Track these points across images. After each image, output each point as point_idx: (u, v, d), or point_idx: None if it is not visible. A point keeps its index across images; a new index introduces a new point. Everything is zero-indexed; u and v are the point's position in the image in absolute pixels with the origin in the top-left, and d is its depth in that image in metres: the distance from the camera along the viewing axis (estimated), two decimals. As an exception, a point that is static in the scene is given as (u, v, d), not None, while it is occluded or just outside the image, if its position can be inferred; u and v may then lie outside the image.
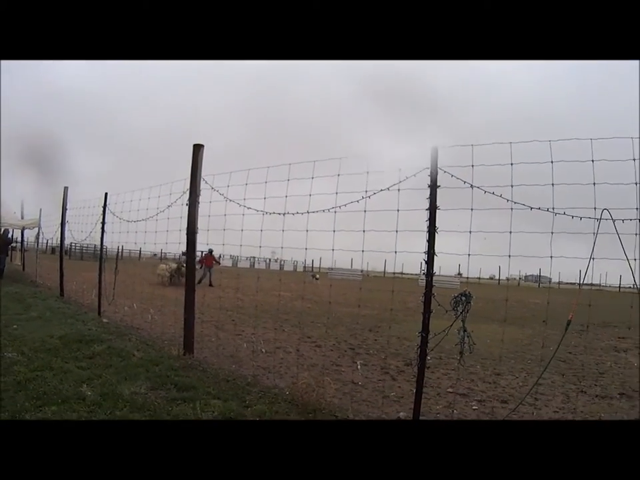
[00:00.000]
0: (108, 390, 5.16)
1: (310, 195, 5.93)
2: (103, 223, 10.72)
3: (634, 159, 4.36)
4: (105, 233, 10.76)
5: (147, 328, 9.46)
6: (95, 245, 31.31)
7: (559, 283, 50.17)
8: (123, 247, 11.42)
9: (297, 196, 6.14)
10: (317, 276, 37.52)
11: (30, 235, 23.82)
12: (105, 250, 11.15)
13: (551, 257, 4.61)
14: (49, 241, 18.88)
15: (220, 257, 27.06)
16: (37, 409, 4.49)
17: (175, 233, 7.85)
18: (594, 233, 4.53)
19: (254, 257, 63.73)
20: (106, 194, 10.78)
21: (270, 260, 66.27)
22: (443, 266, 5.60)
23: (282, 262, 65.91)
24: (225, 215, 7.01)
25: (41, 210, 18.07)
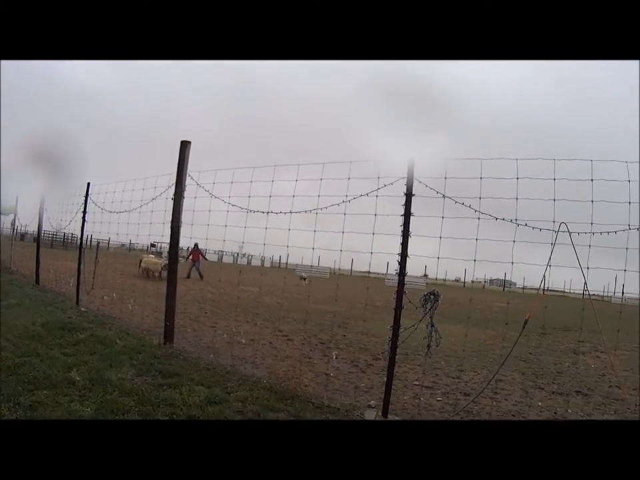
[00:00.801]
0: (96, 375, 5.44)
1: (293, 197, 6.33)
2: (84, 212, 10.84)
3: (591, 180, 4.91)
4: (85, 223, 10.88)
5: (124, 318, 9.68)
6: (65, 234, 31.21)
7: (524, 287, 51.51)
8: (91, 236, 11.50)
9: (280, 196, 6.54)
10: (305, 275, 33.06)
11: (5, 221, 23.65)
12: (77, 239, 11.31)
13: (512, 262, 5.14)
14: (18, 228, 18.74)
15: (205, 251, 27.71)
16: (29, 393, 4.72)
17: (158, 225, 8.15)
18: (552, 243, 5.13)
19: (237, 253, 64.34)
20: (88, 184, 10.91)
21: (251, 256, 66.58)
22: (410, 267, 6.00)
23: (263, 258, 66.07)
24: (210, 210, 7.35)
25: (17, 197, 17.97)
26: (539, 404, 6.91)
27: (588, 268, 5.09)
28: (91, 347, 6.81)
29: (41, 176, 9.08)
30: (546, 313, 5.84)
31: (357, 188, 5.91)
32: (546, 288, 5.97)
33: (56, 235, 38.34)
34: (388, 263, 6.66)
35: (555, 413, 6.49)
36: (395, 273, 5.70)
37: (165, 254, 24.09)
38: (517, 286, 56.06)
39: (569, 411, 6.66)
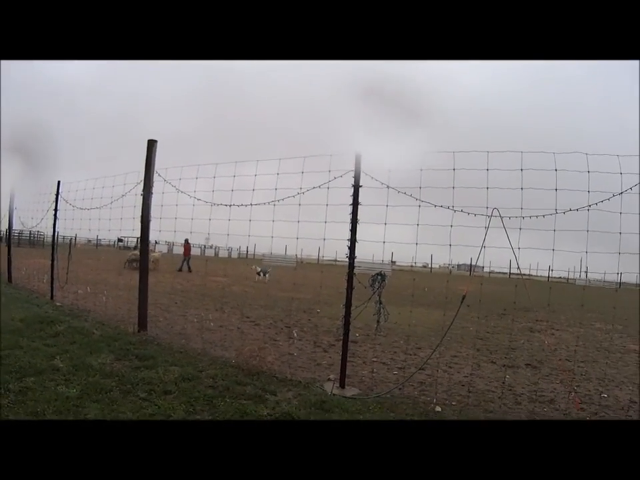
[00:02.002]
0: (78, 362, 5.95)
1: (253, 190, 6.96)
2: (56, 210, 11.18)
3: (521, 169, 5.48)
4: (57, 220, 11.23)
5: (98, 310, 10.14)
6: (31, 232, 31.27)
7: (490, 272, 52.66)
8: (58, 233, 11.84)
9: (242, 190, 7.13)
10: (259, 269, 25.60)
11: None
12: (44, 237, 11.63)
13: (450, 245, 5.67)
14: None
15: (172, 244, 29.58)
16: (17, 380, 5.12)
17: (129, 220, 8.68)
18: (485, 227, 5.64)
19: (204, 245, 64.68)
20: (59, 182, 11.24)
21: (218, 247, 66.91)
22: (378, 254, 6.55)
23: (230, 249, 66.53)
24: (177, 205, 7.94)
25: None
26: (489, 375, 7.54)
27: (519, 248, 5.59)
28: (70, 337, 7.28)
29: (10, 174, 9.34)
30: (509, 296, 6.45)
31: (323, 181, 6.45)
32: (512, 271, 6.56)
33: (21, 233, 37.99)
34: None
35: (503, 383, 6.99)
36: (363, 261, 6.30)
37: (157, 249, 26.02)
38: (484, 270, 57.50)
39: (516, 380, 7.30)
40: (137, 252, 25.84)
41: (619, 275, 5.46)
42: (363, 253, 6.29)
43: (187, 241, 28.22)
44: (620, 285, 33.82)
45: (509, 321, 14.11)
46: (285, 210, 6.74)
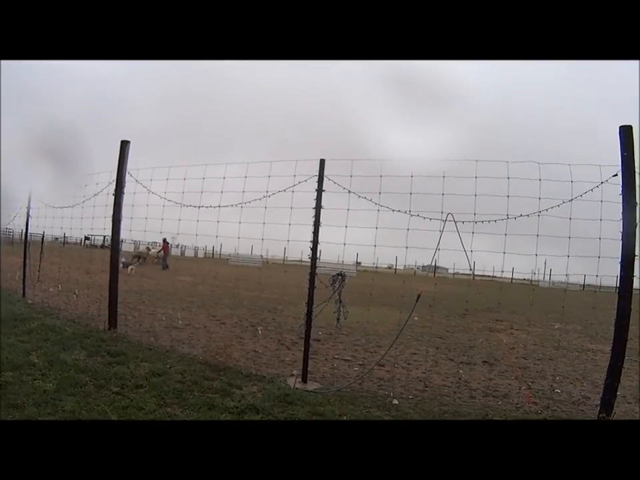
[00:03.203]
0: (53, 358, 6.22)
1: (221, 192, 7.32)
2: (29, 208, 11.29)
3: (475, 177, 5.85)
4: (30, 218, 11.37)
5: (69, 308, 10.34)
6: (-1, 230, 31.27)
7: (454, 273, 53.31)
8: (26, 230, 11.94)
9: (211, 192, 7.46)
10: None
11: None
12: (12, 234, 11.67)
13: (407, 247, 6.05)
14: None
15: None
16: None
17: (100, 219, 8.96)
18: (439, 231, 6.06)
19: (169, 244, 64.76)
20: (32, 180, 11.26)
21: (185, 247, 66.83)
22: (343, 255, 6.94)
23: (196, 248, 66.56)
24: (148, 205, 8.22)
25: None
26: (446, 372, 8.00)
27: (472, 251, 5.96)
28: (43, 334, 7.52)
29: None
30: (473, 297, 6.84)
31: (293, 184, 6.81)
32: (476, 273, 6.87)
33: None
34: (320, 251, 7.67)
35: (459, 379, 7.52)
36: (326, 261, 6.68)
37: (155, 249, 32.74)
38: (449, 272, 58.21)
39: (472, 376, 7.77)
40: (140, 249, 29.31)
41: (602, 277, 5.79)
42: (329, 254, 6.68)
43: (165, 240, 30.75)
44: (584, 287, 34.80)
45: (470, 320, 14.65)
46: (252, 212, 7.06)
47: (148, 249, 34.18)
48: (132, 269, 24.01)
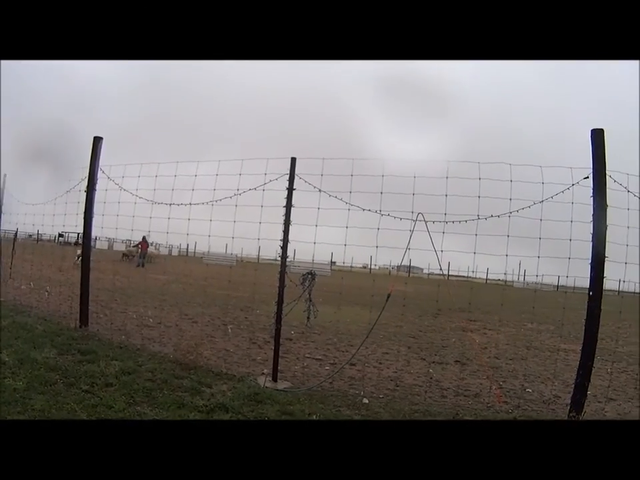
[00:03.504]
0: (23, 356, 6.18)
1: (192, 190, 7.39)
2: (0, 205, 11.23)
3: (446, 177, 5.99)
4: (2, 215, 11.26)
5: (40, 306, 10.30)
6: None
7: (429, 273, 53.87)
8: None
9: (183, 190, 7.53)
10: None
11: None
12: None
13: (377, 246, 6.11)
14: None
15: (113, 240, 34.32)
16: None
17: (72, 216, 8.87)
18: (410, 230, 6.16)
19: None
20: (5, 175, 11.39)
21: (158, 244, 66.93)
22: (318, 254, 6.99)
23: (170, 246, 66.41)
24: (119, 202, 8.22)
25: None
26: (418, 371, 8.08)
27: (442, 251, 6.06)
28: (14, 332, 7.47)
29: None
30: (444, 296, 6.91)
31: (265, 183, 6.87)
32: (451, 273, 6.93)
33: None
34: (295, 250, 7.74)
35: (431, 378, 7.61)
36: (301, 260, 6.75)
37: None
38: (424, 272, 58.98)
39: (444, 376, 7.87)
40: (131, 247, 31.34)
41: (575, 278, 5.89)
42: (304, 254, 6.72)
43: (144, 238, 31.11)
44: (557, 288, 35.34)
45: (443, 320, 14.79)
46: (224, 210, 7.10)
47: (136, 247, 36.14)
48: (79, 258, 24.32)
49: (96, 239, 20.55)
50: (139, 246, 34.49)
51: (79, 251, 25.70)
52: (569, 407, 5.71)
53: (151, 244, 41.10)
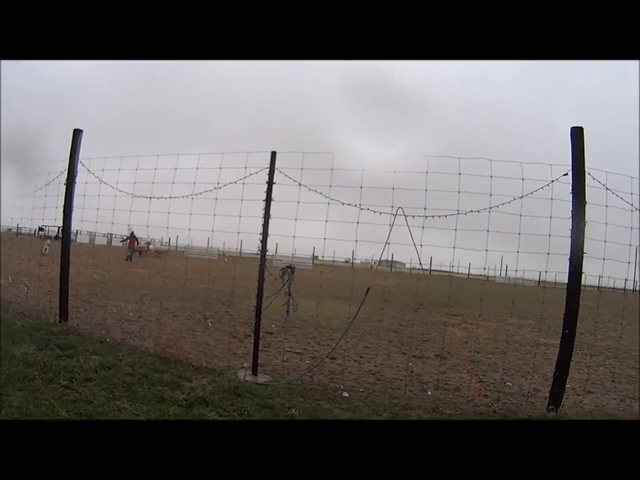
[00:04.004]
0: (1, 352, 6.10)
1: (173, 183, 7.36)
2: None
3: (427, 172, 5.98)
4: None
5: (19, 301, 10.22)
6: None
7: (411, 268, 54.16)
8: None
9: (163, 183, 7.50)
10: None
11: None
12: None
13: (356, 240, 6.24)
14: None
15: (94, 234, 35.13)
16: None
17: (51, 209, 8.79)
18: (390, 225, 6.22)
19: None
20: None
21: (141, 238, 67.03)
22: (299, 248, 7.07)
23: (152, 240, 66.34)
24: (99, 195, 8.17)
25: None
26: (398, 365, 8.19)
27: (421, 245, 6.09)
28: None
29: None
30: (429, 292, 6.96)
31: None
32: (433, 268, 6.92)
33: None
34: (277, 245, 7.76)
35: (411, 372, 7.72)
36: (283, 254, 6.76)
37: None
38: (406, 266, 59.42)
39: (424, 370, 7.97)
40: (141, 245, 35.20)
41: (556, 273, 5.97)
42: (286, 248, 6.75)
43: (132, 233, 33.28)
44: (539, 283, 35.68)
45: (424, 315, 14.90)
46: (205, 204, 7.12)
47: (148, 243, 39.97)
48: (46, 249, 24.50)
49: (77, 232, 20.44)
50: (128, 241, 35.80)
51: (49, 241, 26.44)
52: (547, 400, 5.79)
53: (147, 239, 42.58)
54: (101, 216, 8.18)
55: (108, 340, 7.65)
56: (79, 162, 8.62)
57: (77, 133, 8.63)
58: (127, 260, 31.50)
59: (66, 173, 8.58)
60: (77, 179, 8.60)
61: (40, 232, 41.14)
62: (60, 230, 9.14)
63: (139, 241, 38.70)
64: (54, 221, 9.10)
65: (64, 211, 8.52)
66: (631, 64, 4.45)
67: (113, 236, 56.05)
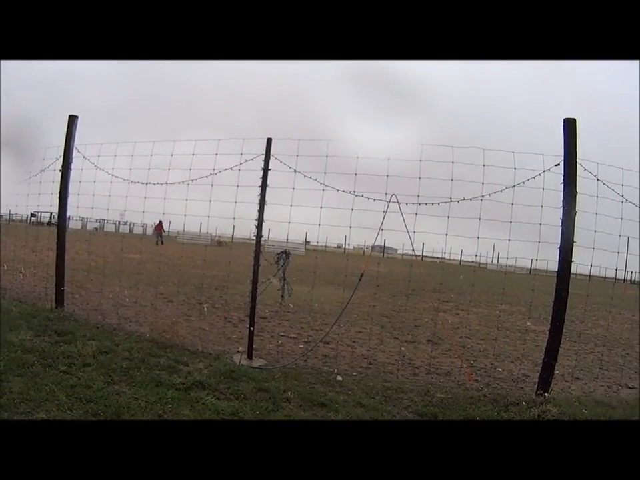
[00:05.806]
0: (0, 338, 6.12)
1: (169, 169, 7.40)
2: None
3: (420, 160, 6.05)
4: None
5: (14, 288, 10.20)
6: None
7: (403, 254, 54.33)
8: None
9: (159, 169, 7.52)
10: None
11: None
12: None
13: (350, 226, 6.30)
14: None
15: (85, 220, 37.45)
16: None
17: (47, 196, 8.80)
18: (383, 212, 6.27)
19: (118, 221, 64.92)
20: None
21: (133, 224, 67.17)
22: (293, 234, 7.10)
23: (144, 225, 66.27)
24: (95, 181, 8.21)
25: None
26: (390, 350, 8.29)
27: (414, 232, 6.17)
28: None
29: None
30: (420, 277, 7.04)
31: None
32: (426, 254, 6.98)
33: None
34: (269, 230, 7.82)
35: (403, 357, 7.82)
36: (275, 240, 6.83)
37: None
38: (398, 252, 59.68)
39: (416, 355, 8.07)
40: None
41: (548, 261, 6.06)
42: (279, 233, 6.82)
43: (160, 222, 37.95)
44: (530, 271, 35.86)
45: (416, 300, 14.95)
46: (201, 190, 7.17)
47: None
48: None
49: (69, 218, 20.41)
50: (156, 228, 40.93)
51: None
52: (536, 385, 5.89)
53: (126, 223, 45.48)
54: (96, 202, 8.22)
55: (104, 325, 7.73)
56: (75, 148, 8.60)
57: (72, 119, 8.61)
58: (157, 244, 35.89)
59: (61, 159, 8.57)
60: (72, 166, 8.57)
61: (32, 218, 40.97)
62: (52, 216, 9.12)
63: (163, 229, 41.94)
64: (49, 207, 9.14)
65: (59, 197, 8.53)
66: (631, 64, 4.32)
67: (105, 221, 56.24)
